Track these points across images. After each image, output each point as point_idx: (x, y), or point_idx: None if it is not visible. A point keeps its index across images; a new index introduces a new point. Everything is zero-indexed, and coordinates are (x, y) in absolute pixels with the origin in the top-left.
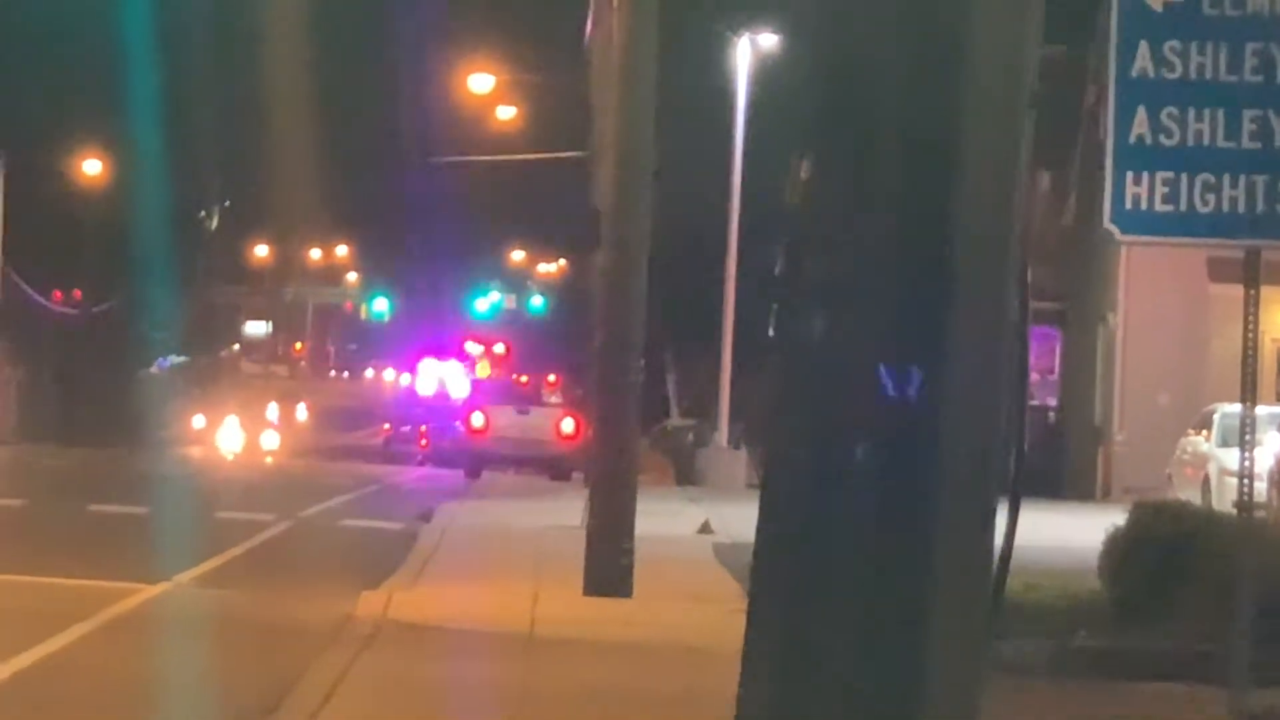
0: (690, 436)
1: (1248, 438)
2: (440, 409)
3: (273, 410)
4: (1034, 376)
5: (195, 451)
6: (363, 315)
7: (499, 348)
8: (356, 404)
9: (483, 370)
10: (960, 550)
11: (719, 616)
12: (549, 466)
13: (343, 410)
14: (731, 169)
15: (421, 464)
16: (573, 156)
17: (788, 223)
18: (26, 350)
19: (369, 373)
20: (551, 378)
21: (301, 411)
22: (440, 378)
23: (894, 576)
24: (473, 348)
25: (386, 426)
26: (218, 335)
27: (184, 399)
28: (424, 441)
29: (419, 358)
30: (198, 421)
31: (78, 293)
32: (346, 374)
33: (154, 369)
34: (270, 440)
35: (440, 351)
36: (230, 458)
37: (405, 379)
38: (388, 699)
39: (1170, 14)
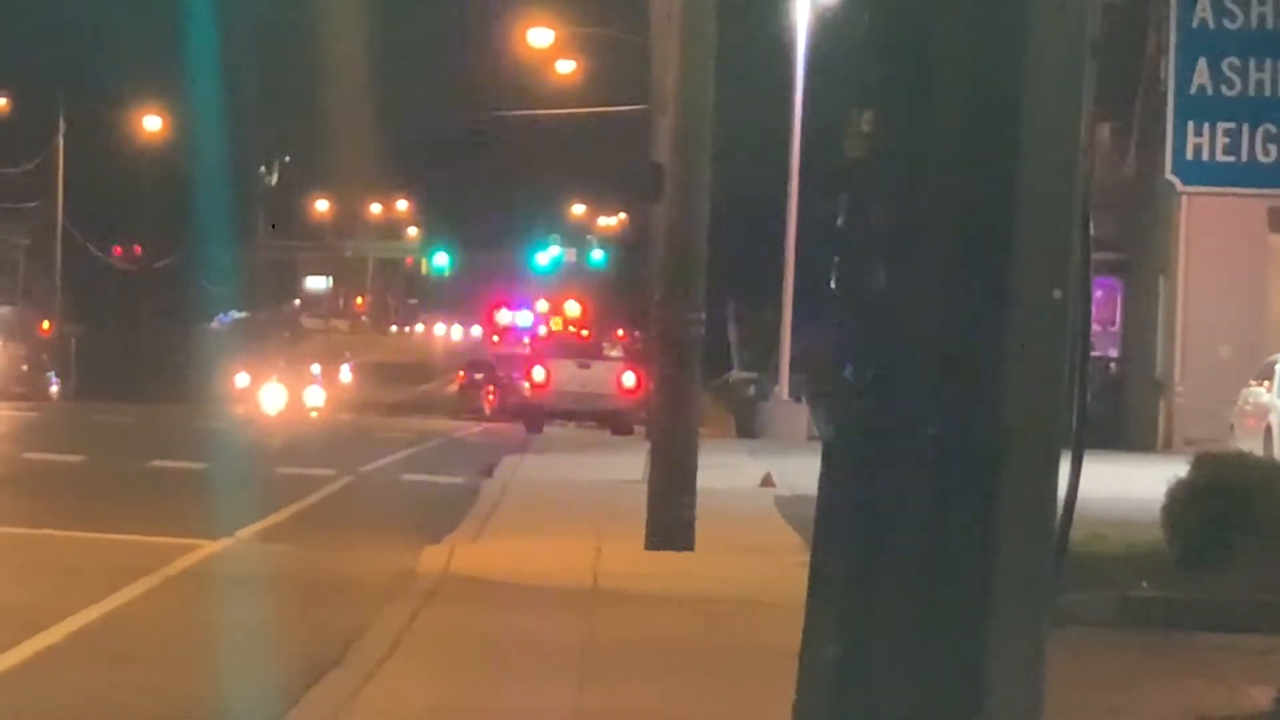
0: (751, 390)
1: None
2: (511, 360)
3: (316, 368)
4: (1095, 328)
5: (240, 409)
6: (423, 270)
7: (573, 306)
8: (416, 359)
9: (557, 325)
10: (1023, 502)
11: (781, 569)
12: (610, 420)
13: (404, 365)
14: (792, 120)
15: (491, 419)
16: (633, 110)
17: (849, 175)
18: (86, 306)
19: (419, 327)
20: (620, 331)
21: (345, 373)
22: (512, 328)
23: (957, 529)
24: (540, 304)
25: (461, 374)
26: (278, 290)
27: (243, 354)
28: (492, 397)
29: (486, 311)
30: (241, 380)
31: (138, 248)
32: (408, 329)
33: (214, 324)
34: (315, 397)
35: (508, 304)
36: (273, 415)
37: (457, 332)
38: (451, 652)
39: None
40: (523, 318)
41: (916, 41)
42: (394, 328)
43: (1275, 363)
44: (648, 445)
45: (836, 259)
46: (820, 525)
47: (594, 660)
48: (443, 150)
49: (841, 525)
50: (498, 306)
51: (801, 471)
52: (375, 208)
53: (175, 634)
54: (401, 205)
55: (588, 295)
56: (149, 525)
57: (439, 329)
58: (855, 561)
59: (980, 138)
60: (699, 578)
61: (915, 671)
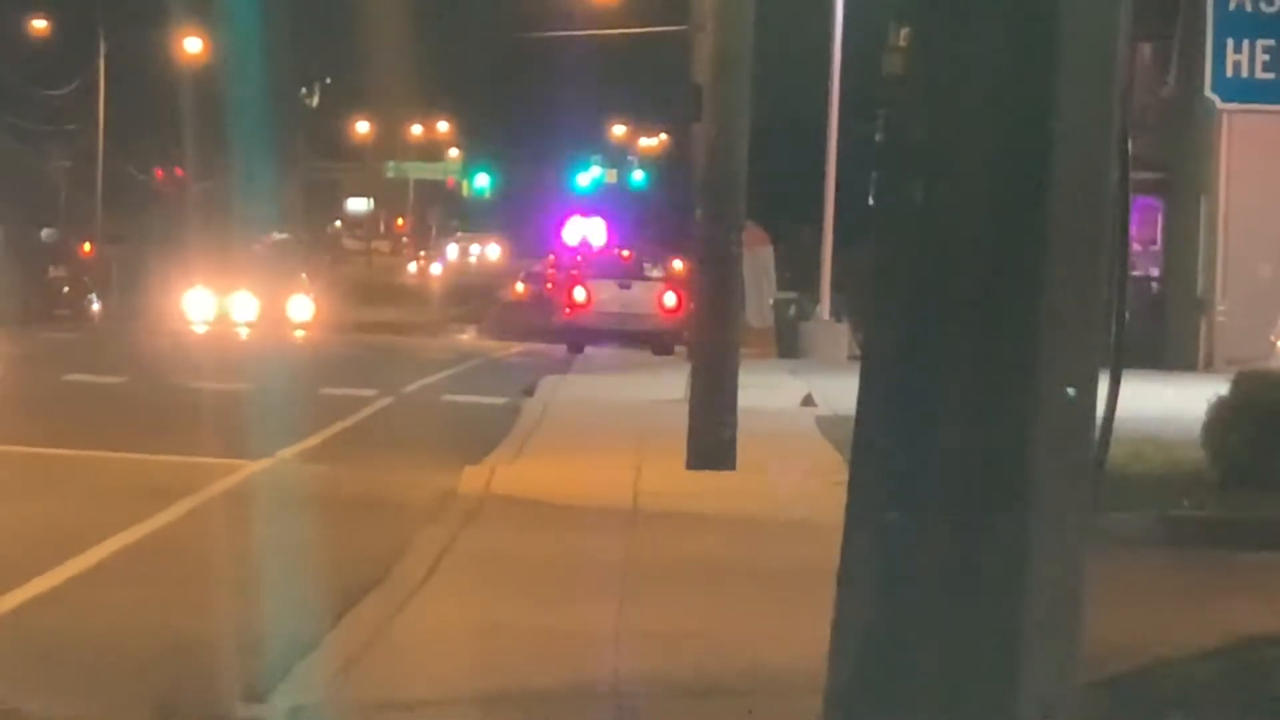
0: (792, 309)
1: None
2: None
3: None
4: (1136, 247)
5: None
6: (464, 191)
7: (678, 264)
8: (468, 279)
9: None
10: (1061, 418)
11: (821, 489)
12: (651, 341)
13: (456, 285)
14: (832, 38)
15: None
16: (673, 30)
17: (887, 92)
18: (128, 228)
19: (412, 266)
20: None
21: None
22: (586, 240)
23: (995, 445)
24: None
25: (520, 289)
26: (319, 212)
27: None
28: (568, 309)
29: (555, 224)
30: (195, 297)
31: (179, 170)
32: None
33: (256, 246)
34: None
35: (581, 212)
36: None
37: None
38: (491, 572)
39: None
40: (594, 225)
41: None
42: (420, 259)
43: None
44: (689, 365)
45: (875, 175)
46: (859, 444)
47: (634, 579)
48: (484, 71)
49: (880, 443)
50: (569, 216)
51: (842, 391)
52: (416, 129)
53: (216, 554)
54: (442, 126)
55: (627, 215)
56: (190, 446)
57: (435, 267)
58: (893, 479)
59: (1017, 54)
60: (740, 496)
61: (954, 589)
